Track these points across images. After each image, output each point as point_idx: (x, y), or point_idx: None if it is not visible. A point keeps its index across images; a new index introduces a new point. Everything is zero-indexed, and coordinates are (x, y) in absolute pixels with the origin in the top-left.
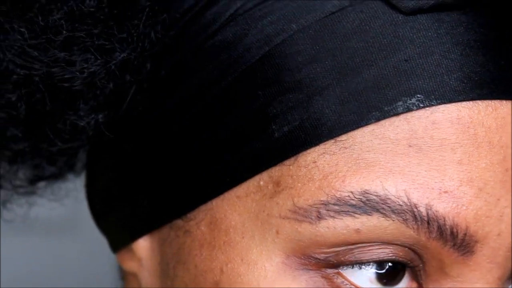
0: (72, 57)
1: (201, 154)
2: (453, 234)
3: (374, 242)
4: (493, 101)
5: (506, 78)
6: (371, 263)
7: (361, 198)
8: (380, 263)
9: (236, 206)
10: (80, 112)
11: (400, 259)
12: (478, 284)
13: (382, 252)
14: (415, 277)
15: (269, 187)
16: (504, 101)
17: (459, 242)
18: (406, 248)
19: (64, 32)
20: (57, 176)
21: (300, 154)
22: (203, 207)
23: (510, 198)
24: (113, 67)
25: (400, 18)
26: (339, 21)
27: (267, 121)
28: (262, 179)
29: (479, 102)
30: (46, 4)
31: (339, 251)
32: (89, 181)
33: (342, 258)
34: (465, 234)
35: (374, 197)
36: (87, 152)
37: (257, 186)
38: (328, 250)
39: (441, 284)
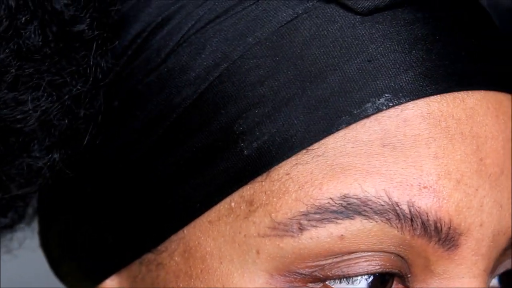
0: (23, 96)
1: (166, 181)
2: (437, 229)
3: (359, 252)
4: (459, 92)
5: (469, 69)
6: (359, 277)
7: (341, 203)
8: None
9: (210, 232)
10: (35, 153)
11: (388, 269)
12: (465, 278)
13: (369, 265)
14: (402, 281)
15: (241, 208)
16: (470, 92)
17: (443, 236)
18: (392, 256)
19: (12, 71)
20: (10, 227)
21: (272, 169)
22: (174, 237)
23: (487, 187)
24: (66, 102)
25: (358, 19)
26: (296, 29)
27: (234, 139)
28: (233, 200)
29: (447, 95)
30: None
31: (324, 265)
32: (42, 227)
33: (328, 273)
34: (449, 228)
35: (355, 200)
36: (38, 196)
37: (228, 208)
38: (313, 264)
39: (428, 283)
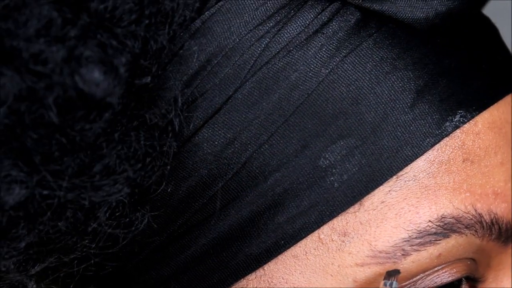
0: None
1: (245, 221)
2: (507, 230)
3: (447, 262)
4: (506, 96)
5: (504, 72)
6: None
7: (439, 224)
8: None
9: (296, 266)
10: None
11: (467, 274)
12: None
13: (456, 272)
14: (471, 281)
15: (333, 239)
16: (509, 95)
17: (510, 235)
18: (469, 261)
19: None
20: None
21: (365, 198)
22: (252, 275)
23: None
24: (157, 162)
25: (417, 35)
26: (364, 55)
27: (320, 174)
28: (322, 233)
29: (500, 101)
30: None
31: (417, 280)
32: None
33: (420, 285)
34: None
35: (450, 219)
36: None
37: (317, 241)
38: (407, 282)
39: (486, 277)
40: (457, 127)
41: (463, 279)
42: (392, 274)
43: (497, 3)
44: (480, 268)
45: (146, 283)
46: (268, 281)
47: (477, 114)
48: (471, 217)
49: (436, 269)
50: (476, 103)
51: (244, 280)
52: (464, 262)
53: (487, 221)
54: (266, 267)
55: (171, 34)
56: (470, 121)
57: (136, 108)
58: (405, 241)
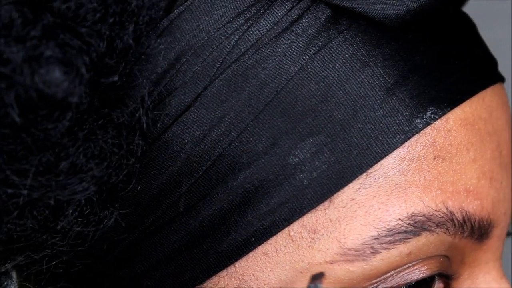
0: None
1: (214, 220)
2: (480, 228)
3: (418, 259)
4: (480, 93)
5: (481, 68)
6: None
7: (409, 222)
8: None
9: (267, 263)
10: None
11: (440, 270)
12: (490, 262)
13: (427, 269)
14: (445, 278)
15: (303, 236)
16: (485, 90)
17: (483, 232)
18: (441, 258)
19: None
20: None
21: (335, 195)
22: (223, 273)
23: (506, 177)
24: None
25: (389, 33)
26: (334, 52)
27: (290, 171)
28: (292, 230)
29: (473, 98)
30: None
31: (387, 277)
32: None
33: (390, 282)
34: (488, 224)
35: (421, 217)
36: None
37: (287, 238)
38: (377, 280)
39: (460, 273)
40: (428, 124)
41: (436, 276)
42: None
43: (497, 3)
44: (454, 265)
45: (119, 280)
46: (239, 278)
47: (448, 111)
48: (442, 215)
49: (406, 266)
50: (448, 99)
51: (216, 277)
52: (436, 259)
53: (458, 219)
54: (237, 264)
55: (137, 33)
56: (442, 118)
57: (103, 107)
58: (375, 239)
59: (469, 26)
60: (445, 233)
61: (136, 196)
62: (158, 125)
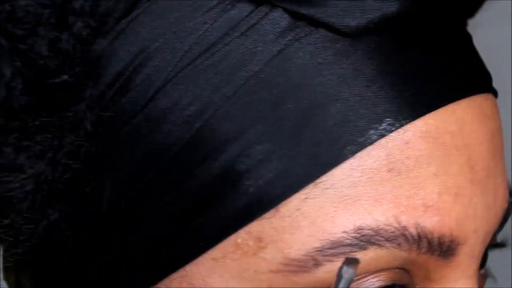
0: (19, 161)
1: (163, 223)
2: (440, 244)
3: (371, 273)
4: (450, 105)
5: (455, 79)
6: None
7: (355, 235)
8: None
9: (215, 268)
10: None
11: (393, 281)
12: (460, 280)
13: (378, 280)
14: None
15: (249, 244)
16: (458, 102)
17: (444, 249)
18: (397, 270)
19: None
20: None
21: (281, 204)
22: (174, 275)
23: (479, 194)
24: (61, 159)
25: (348, 42)
26: (289, 59)
27: (237, 178)
28: (239, 237)
29: (440, 110)
30: None
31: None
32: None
33: None
34: (451, 241)
35: (368, 231)
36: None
37: (234, 245)
38: None
39: None
40: (382, 135)
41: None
42: (351, 262)
43: (497, 3)
44: (416, 279)
45: (72, 283)
46: (189, 282)
47: (407, 123)
48: (393, 229)
49: (355, 279)
50: (407, 111)
51: (168, 279)
52: (390, 271)
53: (413, 234)
54: (187, 267)
55: (84, 36)
56: (399, 130)
57: (46, 107)
58: (318, 250)
59: (453, 35)
60: (397, 248)
61: (82, 197)
62: (110, 128)
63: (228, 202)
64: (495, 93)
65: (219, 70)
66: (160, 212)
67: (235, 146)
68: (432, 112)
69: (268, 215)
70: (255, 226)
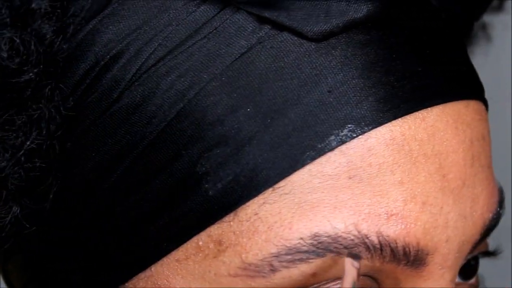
0: None
1: (129, 222)
2: (406, 253)
3: (332, 280)
4: (420, 111)
5: (426, 85)
6: None
7: (312, 242)
8: None
9: (178, 270)
10: None
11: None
12: None
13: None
14: None
15: (210, 247)
16: (429, 109)
17: (411, 259)
18: (362, 277)
19: None
20: None
21: (240, 208)
22: (142, 275)
23: (451, 203)
24: (21, 157)
25: (313, 46)
26: (251, 62)
27: (197, 180)
28: (200, 240)
29: (408, 116)
30: None
31: None
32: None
33: None
34: (417, 250)
35: (325, 238)
36: None
37: (196, 247)
38: None
39: None
40: (342, 142)
41: None
42: (355, 256)
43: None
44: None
45: (48, 282)
46: (154, 282)
47: (369, 130)
48: (352, 237)
49: (315, 286)
50: (370, 118)
51: (136, 278)
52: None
53: (374, 243)
54: (153, 268)
55: (48, 37)
56: (361, 137)
57: (8, 105)
58: (274, 256)
59: (431, 40)
60: None
61: (51, 194)
62: (76, 127)
63: (189, 205)
64: (483, 99)
65: (182, 72)
66: (125, 212)
67: (195, 148)
68: (399, 119)
69: (227, 218)
70: (215, 229)
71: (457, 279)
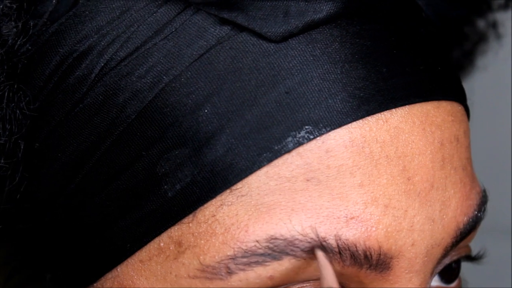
0: None
1: (95, 223)
2: (367, 257)
3: (291, 283)
4: (382, 113)
5: (391, 86)
6: None
7: (268, 245)
8: None
9: (142, 271)
10: None
11: None
12: None
13: None
14: None
15: (171, 248)
16: (393, 110)
17: (374, 263)
18: None
19: None
20: None
21: (198, 210)
22: (109, 275)
23: (417, 206)
24: None
25: (272, 47)
26: (210, 63)
27: (157, 181)
28: (162, 241)
29: (369, 118)
30: None
31: None
32: None
33: None
34: (379, 254)
35: (281, 241)
36: None
37: (158, 248)
38: None
39: None
40: (300, 143)
41: None
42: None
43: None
44: None
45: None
46: (120, 282)
47: (327, 131)
48: (309, 240)
49: (286, 286)
50: (328, 119)
51: (104, 278)
52: (317, 283)
53: (332, 246)
54: (119, 268)
55: (9, 38)
56: (319, 138)
57: None
58: (230, 258)
59: (401, 39)
60: (315, 260)
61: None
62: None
63: (150, 205)
64: (459, 101)
65: (142, 73)
66: (91, 212)
67: (155, 149)
68: (359, 120)
69: (186, 220)
70: (176, 231)
71: (439, 283)
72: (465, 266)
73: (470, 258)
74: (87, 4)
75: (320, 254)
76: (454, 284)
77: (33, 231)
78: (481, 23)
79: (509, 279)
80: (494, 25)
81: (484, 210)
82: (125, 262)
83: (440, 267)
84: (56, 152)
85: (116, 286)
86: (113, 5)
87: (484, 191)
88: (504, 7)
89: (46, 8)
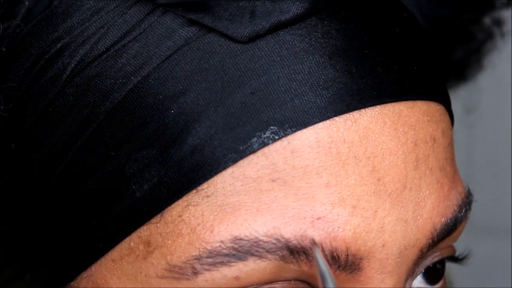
0: None
1: (68, 222)
2: (335, 258)
3: (259, 284)
4: (351, 113)
5: (360, 86)
6: None
7: (232, 246)
8: None
9: (114, 270)
10: None
11: None
12: None
13: None
14: None
15: (140, 248)
16: (363, 110)
17: (343, 263)
18: (292, 281)
19: None
20: None
21: (165, 210)
22: (84, 274)
23: (388, 207)
24: None
25: (239, 48)
26: (177, 63)
27: (126, 182)
28: (132, 241)
29: (336, 118)
30: None
31: None
32: None
33: None
34: (347, 255)
35: (245, 242)
36: None
37: (128, 248)
38: None
39: None
40: (265, 144)
41: None
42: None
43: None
44: None
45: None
46: (94, 281)
47: (292, 132)
48: (274, 241)
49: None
50: (294, 119)
51: (79, 277)
52: (287, 283)
53: (297, 247)
54: (93, 267)
55: None
56: (284, 139)
57: None
58: (196, 259)
59: (374, 38)
60: (282, 260)
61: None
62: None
63: (120, 206)
64: (438, 100)
65: (110, 74)
66: (66, 212)
67: (124, 150)
68: (326, 121)
69: (154, 220)
70: (144, 231)
71: (423, 284)
72: (465, 266)
73: (454, 258)
74: (60, 5)
75: (318, 254)
76: (438, 285)
77: (12, 232)
78: (487, 21)
79: (509, 279)
80: (498, 23)
81: (467, 210)
82: (99, 262)
83: (421, 269)
84: (31, 152)
85: (91, 286)
86: (85, 7)
87: (469, 191)
88: (507, 4)
89: (20, 10)
